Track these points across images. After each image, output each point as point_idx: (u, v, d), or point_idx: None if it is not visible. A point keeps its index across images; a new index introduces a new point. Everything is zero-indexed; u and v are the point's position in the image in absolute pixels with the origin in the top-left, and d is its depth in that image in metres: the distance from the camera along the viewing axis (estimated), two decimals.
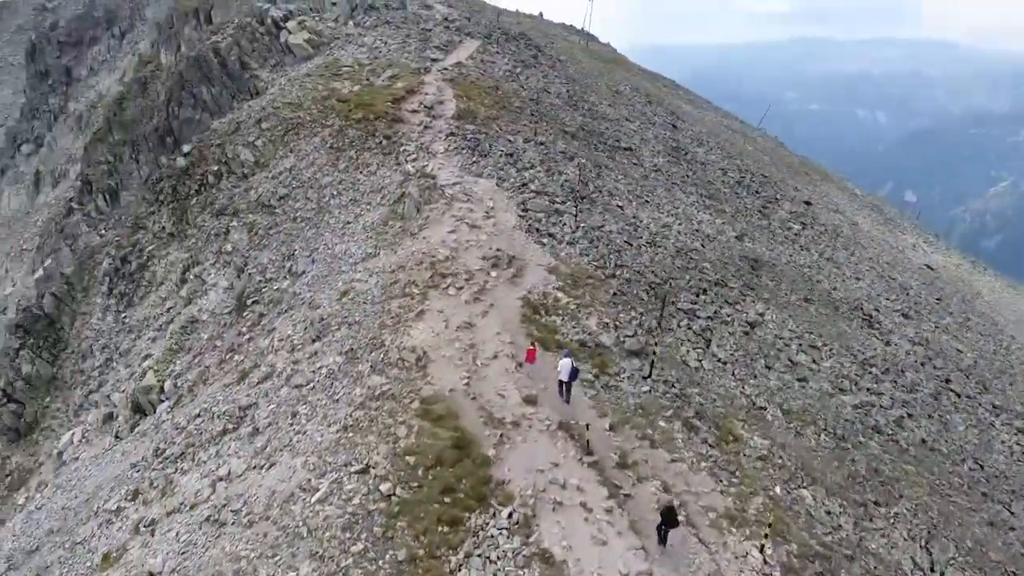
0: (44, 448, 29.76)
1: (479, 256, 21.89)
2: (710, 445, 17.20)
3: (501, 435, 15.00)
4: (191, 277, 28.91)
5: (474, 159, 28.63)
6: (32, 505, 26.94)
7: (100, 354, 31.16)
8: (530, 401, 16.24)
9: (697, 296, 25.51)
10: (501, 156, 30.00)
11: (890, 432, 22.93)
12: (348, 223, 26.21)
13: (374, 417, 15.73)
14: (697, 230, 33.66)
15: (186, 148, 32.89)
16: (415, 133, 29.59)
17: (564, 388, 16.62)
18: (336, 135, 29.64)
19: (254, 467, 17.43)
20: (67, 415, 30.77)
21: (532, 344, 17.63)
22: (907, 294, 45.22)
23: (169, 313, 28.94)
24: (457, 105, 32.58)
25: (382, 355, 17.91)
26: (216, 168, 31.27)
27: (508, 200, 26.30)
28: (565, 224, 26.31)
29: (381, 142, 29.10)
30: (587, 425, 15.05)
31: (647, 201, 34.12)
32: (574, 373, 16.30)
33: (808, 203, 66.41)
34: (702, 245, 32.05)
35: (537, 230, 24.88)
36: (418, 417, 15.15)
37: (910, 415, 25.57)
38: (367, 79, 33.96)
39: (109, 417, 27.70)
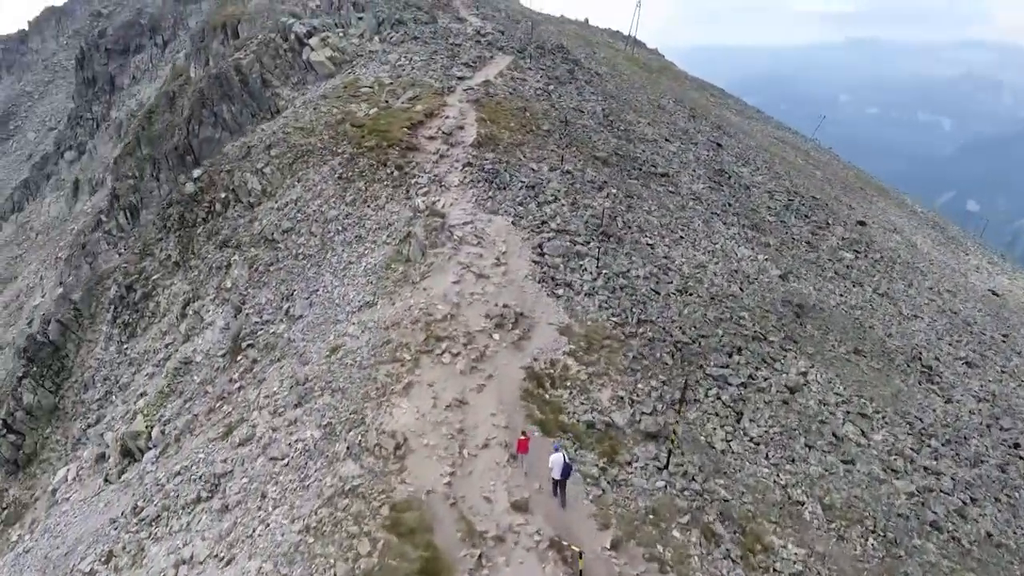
0: (41, 482, 28.80)
1: (482, 313, 19.69)
2: (733, 560, 14.64)
3: (480, 555, 12.78)
4: (191, 312, 27.53)
5: (490, 193, 26.45)
6: (21, 546, 25.92)
7: (101, 385, 30.10)
8: (519, 507, 13.97)
9: (730, 356, 22.78)
10: (521, 188, 27.74)
11: (951, 527, 19.85)
12: (350, 263, 24.34)
13: (339, 520, 13.69)
14: (736, 270, 30.78)
15: (196, 173, 31.65)
16: (429, 163, 27.58)
17: (558, 488, 14.33)
18: (346, 164, 27.86)
19: (215, 555, 15.66)
20: (66, 448, 29.79)
21: (524, 432, 15.31)
22: (970, 331, 41.35)
23: (167, 349, 27.61)
24: (478, 130, 30.46)
25: (360, 436, 15.88)
26: (224, 195, 29.88)
27: (523, 242, 24.03)
28: (585, 270, 23.90)
29: (392, 173, 27.18)
30: (580, 553, 12.68)
31: (682, 236, 31.40)
32: (567, 470, 13.98)
33: (862, 223, 62.67)
34: (740, 289, 29.18)
35: (552, 278, 22.55)
36: (385, 529, 13.04)
37: (974, 499, 22.36)
38: (386, 101, 32.13)
39: (102, 457, 26.49)
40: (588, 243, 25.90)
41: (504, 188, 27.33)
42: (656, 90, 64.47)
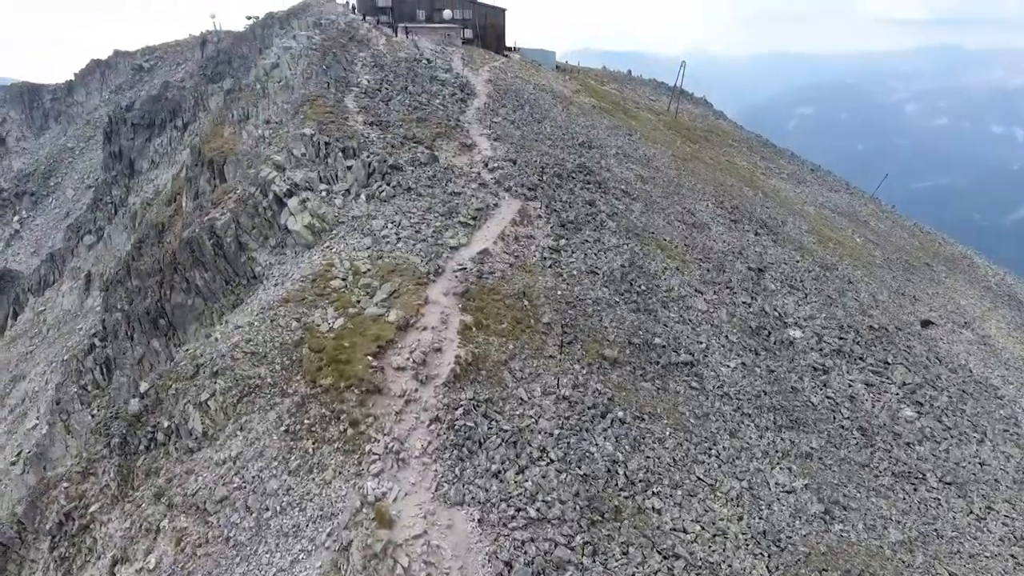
0: None
1: None
2: None
3: None
4: None
5: (458, 468, 21.89)
6: None
7: None
8: None
9: None
10: (500, 445, 23.14)
11: None
12: (281, 571, 20.16)
13: None
14: (765, 529, 25.35)
15: (144, 386, 28.13)
16: (390, 418, 23.17)
17: None
18: (295, 412, 23.75)
19: None
20: None
21: None
22: None
23: None
24: (458, 351, 25.99)
25: None
26: (167, 425, 26.24)
27: (487, 561, 19.39)
28: None
29: (345, 431, 22.92)
30: None
31: (699, 479, 26.17)
32: None
33: (928, 323, 56.30)
34: (768, 567, 23.81)
35: None
36: None
37: None
38: (357, 302, 27.97)
39: None
40: (574, 537, 21.11)
41: (479, 449, 22.76)
42: (694, 186, 58.98)
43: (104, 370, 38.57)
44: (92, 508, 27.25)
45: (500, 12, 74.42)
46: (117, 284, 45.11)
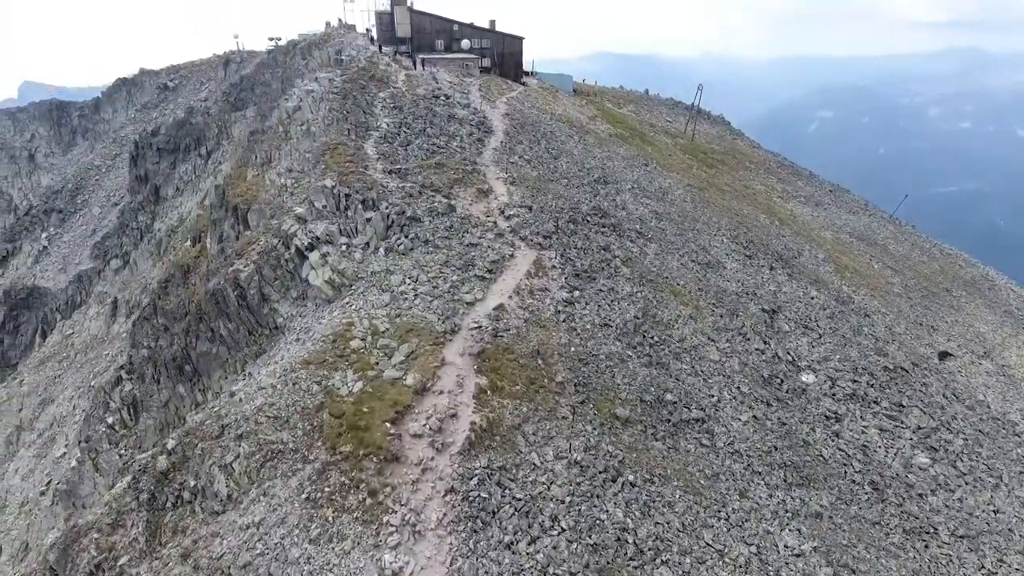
0: None
1: None
2: None
3: None
4: None
5: (472, 540, 22.66)
6: None
7: None
8: None
9: None
10: (513, 515, 23.88)
11: None
12: None
13: None
14: None
15: (171, 443, 29.22)
16: (407, 488, 24.01)
17: None
18: (316, 479, 24.65)
19: None
20: None
21: None
22: None
23: None
24: (473, 417, 26.76)
25: None
26: (194, 483, 27.29)
27: None
28: None
29: (364, 500, 23.77)
30: None
31: (708, 544, 26.72)
32: None
33: (945, 355, 56.43)
34: None
35: None
36: None
37: None
38: (376, 364, 28.85)
39: None
40: None
41: (492, 520, 23.51)
42: (709, 219, 59.36)
43: (131, 411, 39.86)
44: (121, 560, 28.35)
45: (518, 40, 75.28)
46: (144, 321, 46.47)
